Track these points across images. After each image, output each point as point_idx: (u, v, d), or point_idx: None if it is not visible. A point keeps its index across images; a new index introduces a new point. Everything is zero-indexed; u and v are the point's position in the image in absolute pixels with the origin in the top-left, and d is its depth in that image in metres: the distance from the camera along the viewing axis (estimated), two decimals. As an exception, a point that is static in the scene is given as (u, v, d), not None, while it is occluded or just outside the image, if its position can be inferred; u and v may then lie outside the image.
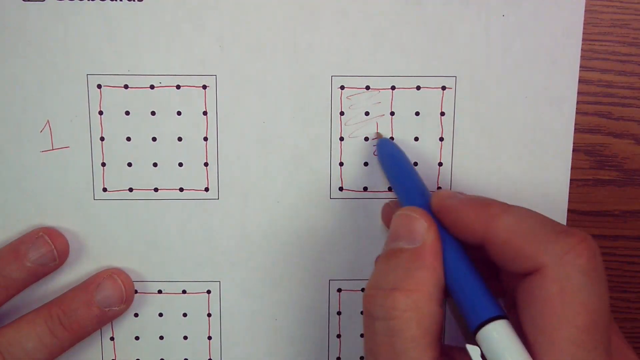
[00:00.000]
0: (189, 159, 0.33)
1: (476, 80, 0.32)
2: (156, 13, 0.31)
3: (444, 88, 0.33)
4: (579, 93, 0.33)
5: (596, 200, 0.35)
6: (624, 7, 0.33)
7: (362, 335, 0.35)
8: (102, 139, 0.32)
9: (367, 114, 0.33)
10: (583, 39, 0.32)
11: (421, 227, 0.27)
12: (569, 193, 0.34)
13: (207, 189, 0.33)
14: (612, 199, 0.35)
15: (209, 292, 0.34)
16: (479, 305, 0.25)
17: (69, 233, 0.33)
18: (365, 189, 0.34)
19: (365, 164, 0.33)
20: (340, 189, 0.34)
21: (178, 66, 0.32)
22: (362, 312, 0.35)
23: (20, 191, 0.33)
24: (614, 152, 0.34)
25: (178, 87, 0.32)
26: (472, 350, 0.24)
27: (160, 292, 0.34)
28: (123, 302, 0.33)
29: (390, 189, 0.34)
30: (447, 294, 0.26)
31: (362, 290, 0.34)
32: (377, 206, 0.34)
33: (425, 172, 0.33)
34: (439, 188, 0.34)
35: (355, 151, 0.33)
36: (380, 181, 0.33)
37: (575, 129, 0.33)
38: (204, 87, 0.32)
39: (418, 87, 0.33)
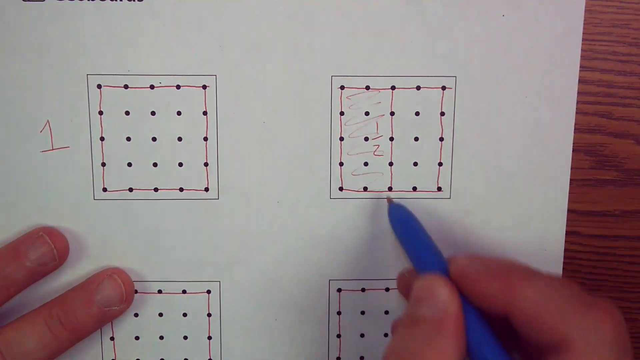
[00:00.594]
0: (189, 159, 0.33)
1: (476, 80, 0.32)
2: (156, 13, 0.31)
3: (444, 88, 0.33)
4: (579, 93, 0.33)
5: (596, 200, 0.35)
6: (624, 7, 0.33)
7: (362, 336, 0.35)
8: (102, 139, 0.32)
9: (367, 114, 0.33)
10: (583, 39, 0.32)
11: (444, 295, 0.26)
12: (569, 193, 0.34)
13: (207, 189, 0.33)
14: (612, 199, 0.35)
15: (209, 292, 0.34)
16: None
17: (69, 233, 0.33)
18: (365, 188, 0.34)
19: (365, 163, 0.33)
20: (340, 189, 0.34)
21: (178, 66, 0.32)
22: (362, 312, 0.35)
23: (20, 191, 0.33)
24: (614, 152, 0.34)
25: (178, 87, 0.32)
26: None
27: (160, 292, 0.34)
28: (123, 301, 0.33)
29: (390, 189, 0.34)
30: None
31: (362, 290, 0.35)
32: (377, 206, 0.34)
33: (425, 172, 0.33)
34: (439, 189, 0.34)
35: (356, 151, 0.33)
36: (380, 181, 0.33)
37: (575, 129, 0.33)
38: (204, 87, 0.32)
39: (418, 87, 0.33)
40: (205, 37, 0.32)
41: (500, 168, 0.33)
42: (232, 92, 0.32)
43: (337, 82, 0.32)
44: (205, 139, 0.33)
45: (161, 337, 0.35)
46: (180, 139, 0.33)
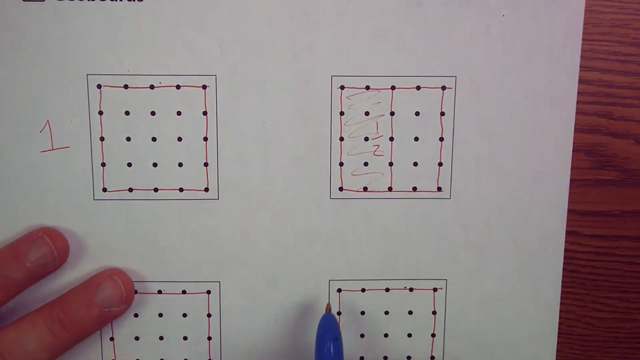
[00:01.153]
0: (189, 159, 0.33)
1: (476, 81, 0.32)
2: (156, 13, 0.31)
3: (444, 88, 0.33)
4: (579, 93, 0.33)
5: (596, 200, 0.35)
6: (624, 7, 0.33)
7: (362, 336, 0.35)
8: (102, 139, 0.32)
9: (367, 114, 0.33)
10: (583, 39, 0.32)
11: None
12: (569, 193, 0.34)
13: (207, 189, 0.33)
14: (612, 199, 0.35)
15: (208, 292, 0.34)
16: None
17: (69, 233, 0.33)
18: (365, 189, 0.34)
19: (365, 164, 0.33)
20: (341, 189, 0.34)
21: (178, 66, 0.32)
22: (362, 313, 0.35)
23: (20, 191, 0.33)
24: (614, 152, 0.34)
25: (178, 87, 0.32)
26: None
27: (160, 292, 0.34)
28: (123, 302, 0.33)
29: (390, 189, 0.34)
30: None
31: (362, 290, 0.34)
32: (377, 206, 0.34)
33: (425, 172, 0.33)
34: (439, 189, 0.34)
35: (356, 151, 0.33)
36: (380, 181, 0.33)
37: (575, 129, 0.33)
38: (204, 87, 0.32)
39: (418, 87, 0.33)
40: (205, 37, 0.32)
41: (500, 168, 0.33)
42: (232, 92, 0.32)
43: (337, 82, 0.32)
44: (205, 139, 0.33)
45: (161, 338, 0.35)
46: (180, 139, 0.33)
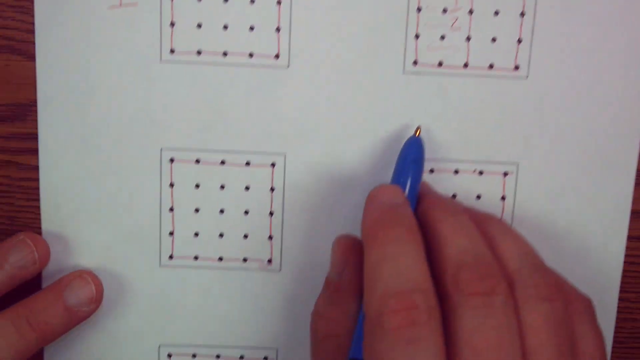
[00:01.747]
0: (261, 22, 0.32)
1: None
2: None
3: None
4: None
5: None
6: None
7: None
8: (172, -3, 0.31)
9: (447, -17, 0.32)
10: None
11: (342, 261, 0.30)
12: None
13: (277, 56, 0.32)
14: None
15: (273, 165, 0.33)
16: None
17: (132, 94, 0.32)
18: (440, 64, 0.32)
19: (442, 37, 0.32)
20: (415, 62, 0.32)
21: None
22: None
23: (86, 48, 0.31)
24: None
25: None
26: None
27: (223, 163, 0.33)
28: (93, 302, 0.32)
29: (466, 65, 0.32)
30: None
31: (431, 171, 0.33)
32: (452, 83, 0.32)
33: (503, 49, 0.32)
34: (516, 67, 0.32)
35: (433, 23, 0.32)
36: (456, 56, 0.32)
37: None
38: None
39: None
40: None
41: (582, 47, 0.32)
42: (309, -48, 0.31)
43: (419, -53, 0.31)
44: (279, 2, 0.32)
45: (221, 211, 0.34)
46: (252, 1, 0.32)
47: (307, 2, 0.31)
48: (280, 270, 0.34)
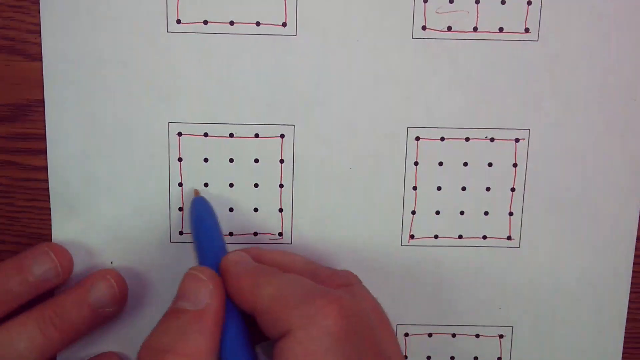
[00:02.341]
0: (267, -10, 0.31)
1: None
2: None
3: None
4: None
5: None
6: None
7: (439, 189, 0.34)
8: (177, -34, 0.31)
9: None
10: None
11: (206, 290, 0.26)
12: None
13: (284, 24, 0.32)
14: None
15: (282, 136, 0.33)
16: None
17: (138, 64, 0.32)
18: (449, 28, 0.32)
19: (451, 1, 0.32)
20: (424, 27, 0.32)
21: None
22: (440, 164, 0.33)
23: (92, 20, 0.31)
24: None
25: None
26: None
27: (231, 135, 0.33)
28: (116, 302, 0.32)
29: (475, 29, 0.32)
30: None
31: (442, 139, 0.33)
32: (461, 48, 0.32)
33: (513, 11, 0.32)
34: (526, 30, 0.32)
35: (441, -12, 0.32)
36: (465, 20, 0.32)
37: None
38: None
39: None
40: None
41: (594, 9, 0.32)
42: None
43: None
44: (285, -31, 0.31)
45: (231, 185, 0.33)
46: (258, -32, 0.31)
47: (314, -31, 0.31)
48: (291, 243, 0.34)
